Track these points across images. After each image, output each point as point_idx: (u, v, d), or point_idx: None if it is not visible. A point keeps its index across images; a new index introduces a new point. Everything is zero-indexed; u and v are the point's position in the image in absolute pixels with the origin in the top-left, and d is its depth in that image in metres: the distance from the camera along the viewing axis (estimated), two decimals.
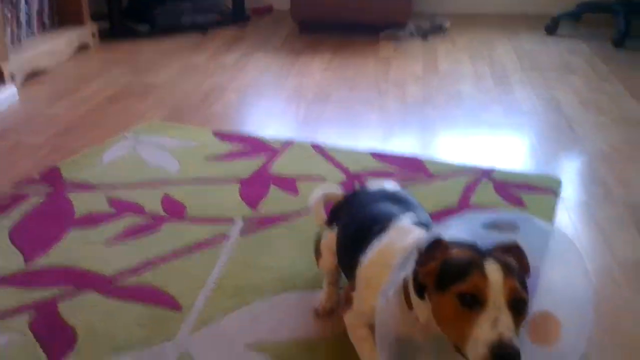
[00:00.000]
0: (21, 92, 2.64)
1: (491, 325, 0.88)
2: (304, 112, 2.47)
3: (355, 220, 1.27)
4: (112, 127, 2.30)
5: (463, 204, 1.76)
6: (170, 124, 2.32)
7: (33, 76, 2.84)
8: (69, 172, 1.94)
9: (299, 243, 1.58)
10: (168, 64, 3.06)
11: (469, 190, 1.84)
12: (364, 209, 1.28)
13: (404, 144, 2.19)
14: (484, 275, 0.91)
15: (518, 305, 0.91)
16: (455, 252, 0.97)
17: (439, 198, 1.79)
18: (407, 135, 2.27)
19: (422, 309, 1.01)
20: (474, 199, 1.79)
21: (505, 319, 0.89)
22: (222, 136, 2.20)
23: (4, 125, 2.34)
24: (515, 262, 0.97)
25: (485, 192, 1.83)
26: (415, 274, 1.00)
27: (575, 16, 3.74)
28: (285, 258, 1.53)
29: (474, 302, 0.91)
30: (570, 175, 1.98)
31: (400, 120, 2.39)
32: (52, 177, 1.91)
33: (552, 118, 2.41)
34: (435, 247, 0.98)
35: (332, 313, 1.34)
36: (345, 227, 1.29)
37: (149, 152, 2.08)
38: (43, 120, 2.38)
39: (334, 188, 1.51)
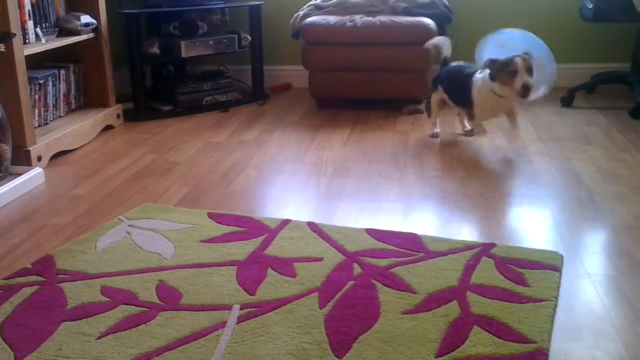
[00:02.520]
0: (47, 173, 2.71)
1: (521, 78, 2.59)
2: (324, 188, 2.49)
3: (455, 74, 2.98)
4: (135, 206, 2.34)
5: (464, 283, 1.73)
6: (164, 206, 2.31)
7: (59, 156, 2.92)
8: (62, 261, 1.90)
9: (299, 328, 1.54)
10: (190, 142, 3.13)
11: (469, 268, 1.80)
12: (458, 69, 3.00)
13: (425, 218, 2.19)
14: (515, 63, 2.60)
15: (530, 71, 2.60)
16: (501, 60, 2.65)
17: (438, 277, 1.76)
18: (427, 209, 2.27)
19: (497, 86, 2.69)
20: (474, 277, 1.76)
21: (527, 77, 2.59)
22: (217, 218, 2.18)
23: (31, 207, 2.38)
24: (528, 57, 2.63)
25: (486, 270, 1.79)
26: (490, 73, 2.70)
27: (590, 88, 3.79)
28: (284, 345, 1.48)
29: (514, 72, 2.60)
30: (595, 248, 1.96)
31: (420, 194, 2.40)
32: (45, 266, 1.87)
33: (573, 189, 2.40)
34: (492, 61, 2.67)
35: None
36: (451, 78, 3.01)
37: (143, 237, 2.05)
38: (68, 201, 2.43)
39: (443, 42, 3.10)
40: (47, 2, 3.08)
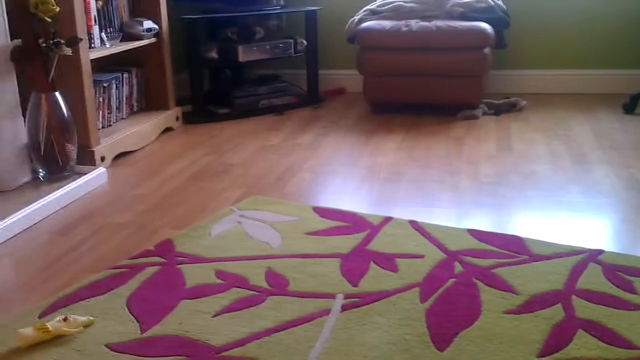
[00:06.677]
0: (110, 173, 2.81)
1: None
2: (377, 192, 2.50)
3: None
4: (191, 206, 2.40)
5: (569, 287, 1.71)
6: (272, 199, 2.42)
7: (121, 157, 3.02)
8: (181, 245, 2.05)
9: (400, 320, 1.59)
10: (246, 145, 3.19)
11: (576, 273, 1.79)
12: None
13: (479, 226, 2.17)
14: None
15: None
16: None
17: (542, 280, 1.75)
18: (482, 215, 2.25)
19: None
20: (580, 282, 1.74)
21: None
22: (322, 212, 2.27)
23: (94, 205, 2.48)
24: None
25: (594, 276, 1.77)
26: None
27: None
28: (386, 335, 1.53)
29: None
30: None
31: (474, 200, 2.38)
32: (166, 249, 2.02)
33: (634, 199, 2.34)
34: None
35: None
36: None
37: (252, 226, 2.17)
38: (129, 200, 2.51)
39: None
40: (112, 8, 3.19)
